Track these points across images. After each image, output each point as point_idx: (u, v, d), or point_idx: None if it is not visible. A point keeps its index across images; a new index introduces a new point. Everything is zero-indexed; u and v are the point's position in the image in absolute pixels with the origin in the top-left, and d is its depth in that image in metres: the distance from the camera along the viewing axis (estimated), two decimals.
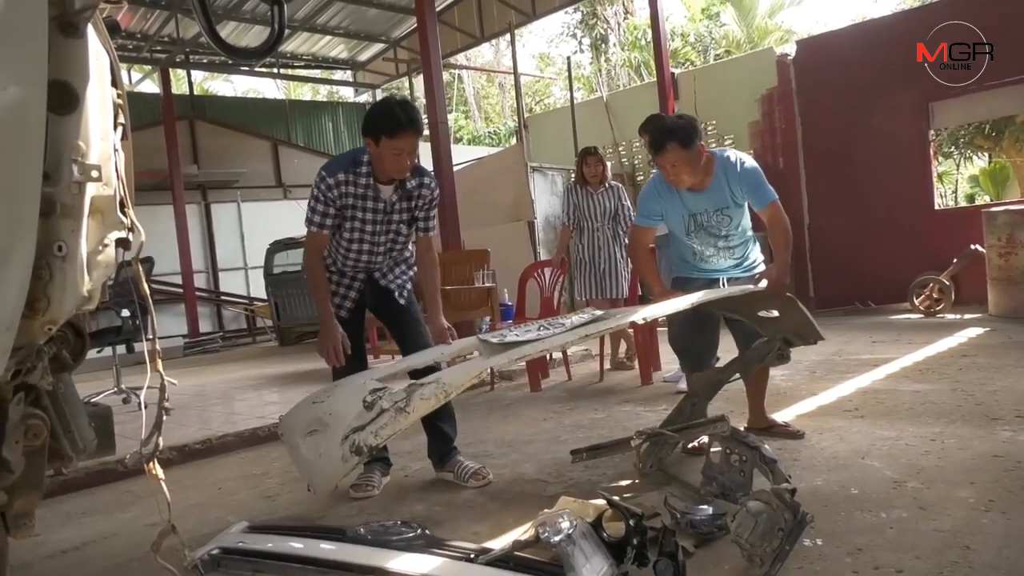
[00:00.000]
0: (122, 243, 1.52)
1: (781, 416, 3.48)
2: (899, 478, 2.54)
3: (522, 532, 2.13)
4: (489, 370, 5.31)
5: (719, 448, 2.50)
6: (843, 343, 5.77)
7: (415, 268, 3.17)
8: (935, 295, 7.04)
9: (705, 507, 2.24)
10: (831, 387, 4.19)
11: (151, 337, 1.71)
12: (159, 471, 1.73)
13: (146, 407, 5.41)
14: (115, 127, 1.48)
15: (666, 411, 3.92)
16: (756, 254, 3.29)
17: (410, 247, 3.17)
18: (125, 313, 5.52)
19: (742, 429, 3.33)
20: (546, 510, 2.21)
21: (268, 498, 3.14)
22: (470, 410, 4.62)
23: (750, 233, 3.24)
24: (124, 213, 1.50)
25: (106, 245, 1.46)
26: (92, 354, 5.88)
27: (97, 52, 1.38)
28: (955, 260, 7.06)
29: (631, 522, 1.87)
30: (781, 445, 3.00)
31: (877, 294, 7.74)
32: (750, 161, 3.09)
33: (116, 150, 1.46)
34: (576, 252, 5.52)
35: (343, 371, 2.98)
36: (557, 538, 1.90)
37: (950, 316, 6.83)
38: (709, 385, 3.11)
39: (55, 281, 1.32)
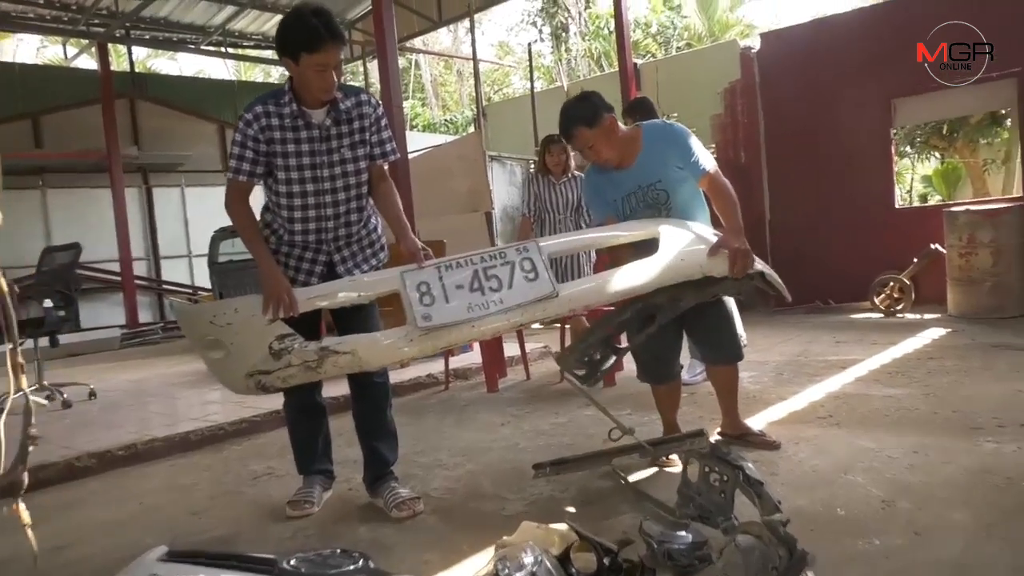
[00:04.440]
0: None
1: (751, 422, 3.28)
2: (887, 497, 2.35)
3: (480, 570, 1.86)
4: (444, 367, 5.05)
5: (696, 465, 2.28)
6: (807, 343, 5.64)
7: (384, 252, 2.76)
8: (895, 295, 6.98)
9: (683, 533, 2.00)
10: (800, 391, 4.02)
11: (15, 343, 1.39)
12: (25, 514, 1.42)
13: (69, 406, 4.93)
14: None
15: (631, 415, 3.72)
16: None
17: (374, 221, 2.73)
18: (48, 303, 5.09)
19: (715, 434, 3.15)
20: (506, 537, 1.95)
21: (195, 514, 2.82)
22: (423, 412, 4.34)
23: (701, 217, 2.94)
24: None
25: None
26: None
27: None
28: (915, 259, 7.00)
29: (605, 560, 1.63)
30: (757, 457, 2.79)
31: (838, 292, 7.68)
32: (680, 126, 2.88)
33: None
34: None
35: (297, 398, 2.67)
36: (519, 575, 1.65)
37: (910, 316, 6.77)
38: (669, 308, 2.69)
39: None
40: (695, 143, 2.80)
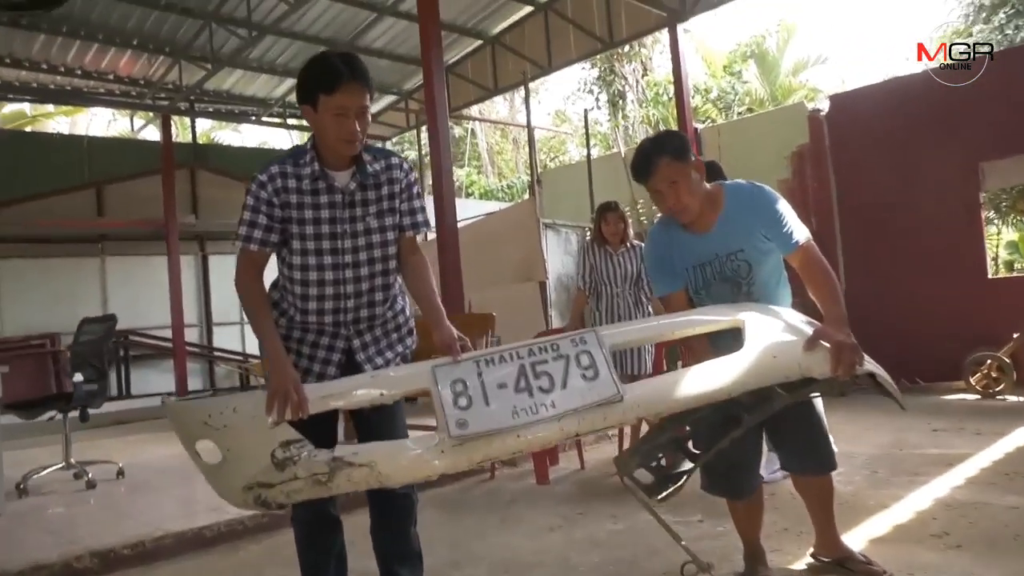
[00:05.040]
0: None
1: (849, 539, 2.72)
2: None
3: None
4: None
5: None
6: (899, 430, 5.00)
7: (412, 338, 2.40)
8: (993, 374, 6.28)
9: None
10: (903, 495, 3.44)
11: None
12: None
13: (94, 486, 4.64)
14: None
15: (701, 523, 3.22)
16: None
17: (401, 301, 2.37)
18: (78, 377, 4.87)
19: (807, 556, 2.62)
20: None
21: None
22: (463, 508, 3.89)
23: (784, 294, 2.52)
24: None
25: None
26: (42, 419, 5.24)
27: None
28: (1016, 335, 6.30)
29: None
30: None
31: (926, 371, 6.97)
32: (770, 189, 2.41)
33: None
34: (592, 320, 4.85)
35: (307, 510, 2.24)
36: None
37: (1012, 398, 6.05)
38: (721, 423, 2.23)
39: None
40: (787, 210, 2.36)
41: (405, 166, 2.31)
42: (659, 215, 2.71)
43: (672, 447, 2.28)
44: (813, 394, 2.26)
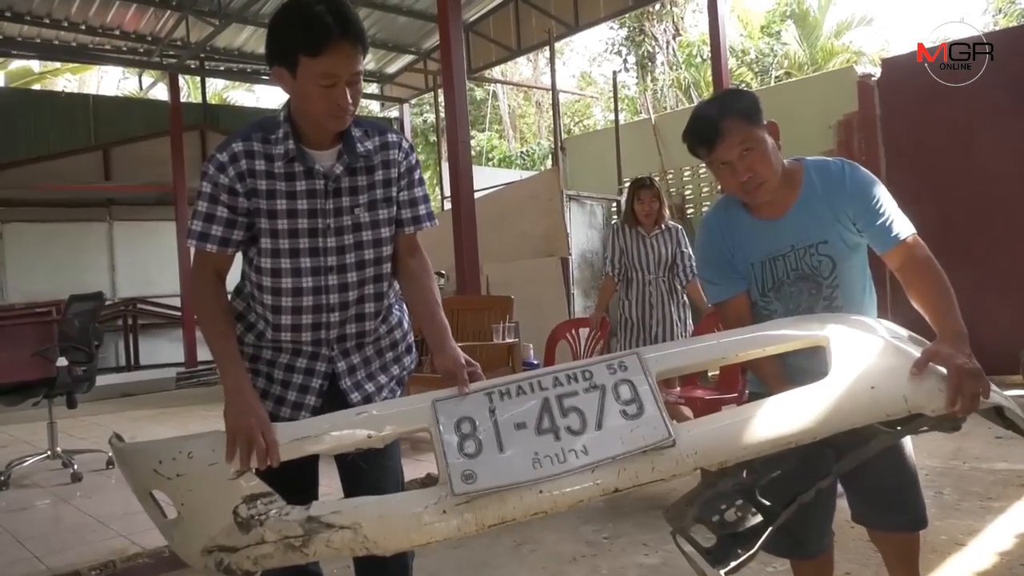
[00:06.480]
0: None
1: None
2: None
3: None
4: None
5: None
6: (959, 437, 4.50)
7: (411, 356, 1.97)
8: None
9: None
10: (978, 528, 3.00)
11: None
12: None
13: (79, 479, 4.31)
14: None
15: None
16: None
17: (398, 313, 1.93)
18: (62, 361, 4.51)
19: None
20: None
21: None
22: None
23: (872, 306, 2.01)
24: None
25: None
26: (27, 406, 4.93)
27: None
28: None
29: None
30: None
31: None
32: (864, 170, 1.89)
33: None
34: (621, 309, 4.39)
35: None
36: None
37: None
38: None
39: None
40: (887, 196, 1.85)
41: (405, 144, 1.84)
42: (718, 197, 2.19)
43: (740, 497, 1.81)
44: (922, 430, 1.78)
